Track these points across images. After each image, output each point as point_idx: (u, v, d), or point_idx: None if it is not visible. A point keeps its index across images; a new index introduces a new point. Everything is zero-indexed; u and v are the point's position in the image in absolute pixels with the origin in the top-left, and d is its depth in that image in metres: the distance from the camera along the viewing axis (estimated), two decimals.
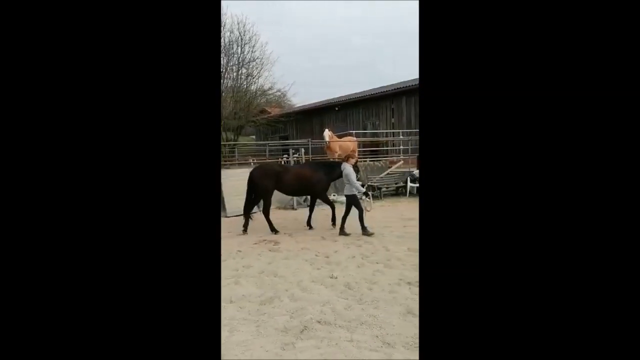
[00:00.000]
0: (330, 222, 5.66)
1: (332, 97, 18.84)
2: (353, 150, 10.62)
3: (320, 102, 19.37)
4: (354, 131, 12.31)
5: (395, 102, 15.01)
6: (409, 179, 9.45)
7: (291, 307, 2.72)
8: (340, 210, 5.48)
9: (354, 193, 5.24)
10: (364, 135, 14.31)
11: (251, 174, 5.66)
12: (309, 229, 5.66)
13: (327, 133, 9.87)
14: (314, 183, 5.64)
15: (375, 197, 8.66)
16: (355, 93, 18.34)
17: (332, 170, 5.71)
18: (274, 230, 5.46)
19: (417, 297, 2.82)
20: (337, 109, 17.00)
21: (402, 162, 10.35)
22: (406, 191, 9.40)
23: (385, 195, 9.18)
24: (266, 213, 5.55)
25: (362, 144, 12.12)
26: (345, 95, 18.35)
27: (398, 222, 5.98)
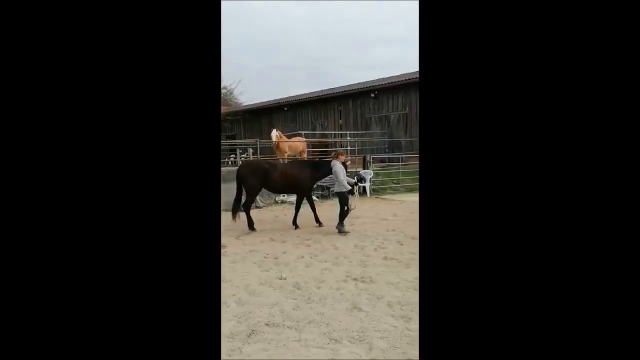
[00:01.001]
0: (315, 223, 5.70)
1: (281, 97, 18.73)
2: (302, 151, 10.70)
3: (269, 101, 19.14)
4: (303, 132, 12.39)
5: (343, 104, 15.43)
6: (355, 178, 9.78)
7: (238, 311, 2.66)
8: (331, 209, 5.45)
9: (342, 190, 5.27)
10: (313, 135, 14.46)
11: (238, 170, 5.66)
12: (295, 228, 5.60)
13: (274, 133, 9.78)
14: (300, 181, 5.61)
15: (324, 197, 8.81)
16: (305, 93, 18.45)
17: (320, 169, 5.72)
18: (252, 227, 5.41)
19: (362, 292, 2.94)
20: (285, 109, 16.96)
21: (349, 162, 10.68)
22: (354, 190, 9.71)
23: (334, 195, 9.39)
24: (247, 209, 5.51)
25: (311, 145, 12.25)
26: (295, 96, 18.37)
27: (346, 220, 6.16)
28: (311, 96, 16.85)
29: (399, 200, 8.37)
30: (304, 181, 5.65)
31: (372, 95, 14.41)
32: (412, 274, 3.37)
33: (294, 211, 5.79)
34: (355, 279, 3.26)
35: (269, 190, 6.02)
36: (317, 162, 6.15)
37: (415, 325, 2.34)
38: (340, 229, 5.17)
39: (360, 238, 4.89)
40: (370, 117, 14.69)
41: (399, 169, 11.19)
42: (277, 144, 9.78)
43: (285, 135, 10.71)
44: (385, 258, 3.91)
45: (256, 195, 5.70)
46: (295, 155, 10.22)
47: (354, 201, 5.58)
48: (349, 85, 17.36)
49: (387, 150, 13.45)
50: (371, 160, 10.54)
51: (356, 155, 11.53)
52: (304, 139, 10.97)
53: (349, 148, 12.44)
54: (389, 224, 5.77)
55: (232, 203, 5.55)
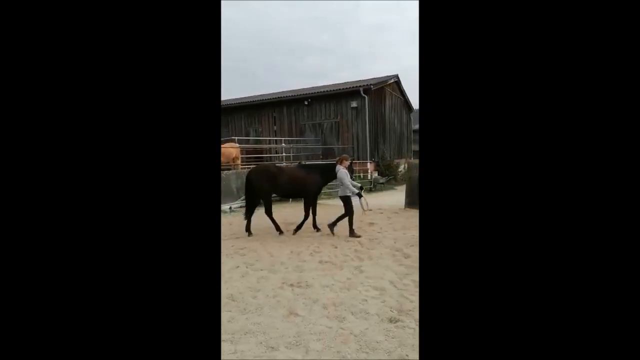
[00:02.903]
0: (298, 228, 5.67)
1: None
2: (236, 157, 10.39)
3: None
4: (236, 137, 12.05)
5: (277, 110, 15.44)
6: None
7: None
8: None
9: (348, 194, 5.24)
10: (247, 141, 14.15)
11: (248, 175, 5.64)
12: (317, 231, 5.65)
13: None
14: (307, 185, 5.59)
15: (259, 203, 8.66)
16: (238, 98, 17.98)
17: (327, 173, 5.66)
18: (279, 230, 5.49)
19: (298, 297, 3.00)
20: None
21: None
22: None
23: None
24: (269, 213, 5.55)
25: (245, 151, 11.96)
26: (226, 100, 17.78)
27: (282, 226, 6.16)
28: (244, 101, 16.51)
29: (334, 204, 8.66)
30: (311, 185, 5.64)
31: (306, 102, 14.73)
32: (345, 275, 3.54)
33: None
34: (291, 285, 3.30)
35: (277, 194, 5.89)
36: (325, 166, 6.00)
37: (348, 323, 2.47)
38: (352, 234, 5.19)
39: (296, 244, 4.94)
40: (305, 124, 14.98)
41: None
42: None
43: None
44: (320, 262, 4.03)
45: (270, 198, 5.63)
46: (228, 162, 9.87)
47: (366, 204, 5.46)
48: (282, 92, 17.44)
49: (321, 156, 13.83)
50: None
51: (291, 161, 11.62)
52: (237, 145, 10.67)
53: (284, 154, 12.47)
54: (324, 227, 5.94)
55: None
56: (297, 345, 2.22)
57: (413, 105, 19.15)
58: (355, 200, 5.37)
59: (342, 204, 5.40)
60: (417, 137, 22.11)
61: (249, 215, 5.62)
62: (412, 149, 19.72)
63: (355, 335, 2.30)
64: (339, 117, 14.42)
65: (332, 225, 5.38)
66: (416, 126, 23.08)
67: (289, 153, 12.61)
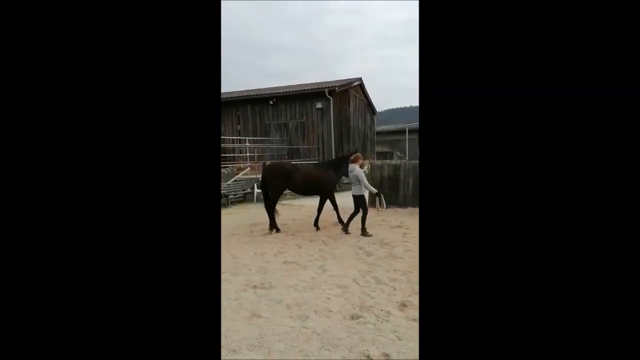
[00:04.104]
0: (338, 222, 5.80)
1: None
2: None
3: None
4: None
5: (241, 109, 15.13)
6: (255, 185, 9.71)
7: None
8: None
9: (362, 194, 5.13)
10: None
11: (264, 172, 5.70)
12: (317, 229, 5.69)
13: None
14: (324, 182, 5.66)
15: (222, 205, 8.45)
16: None
17: (340, 168, 5.71)
18: (274, 227, 5.56)
19: (261, 299, 2.97)
20: None
21: (249, 168, 10.53)
22: (254, 197, 9.61)
23: (233, 203, 9.10)
24: (270, 209, 5.60)
25: None
26: None
27: (246, 228, 6.06)
28: None
29: (298, 205, 8.67)
30: (327, 183, 5.69)
31: (271, 102, 14.58)
32: (309, 274, 3.57)
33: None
34: (254, 287, 3.26)
35: (293, 191, 5.95)
36: (337, 162, 5.93)
37: (311, 322, 2.50)
38: (364, 233, 5.15)
39: (259, 245, 4.89)
40: (270, 124, 14.82)
41: None
42: None
43: None
44: (284, 262, 4.02)
45: (279, 196, 5.71)
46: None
47: (383, 204, 5.29)
48: (247, 90, 17.12)
49: (286, 156, 13.77)
50: None
51: (255, 161, 11.45)
52: None
53: (248, 154, 12.25)
54: (289, 228, 5.93)
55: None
56: (259, 347, 2.20)
57: (376, 107, 19.70)
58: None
59: (318, 204, 5.43)
60: (380, 138, 22.78)
61: (270, 212, 5.62)
62: (375, 150, 20.28)
63: (317, 334, 2.33)
64: (304, 118, 14.45)
65: (345, 227, 5.33)
66: (379, 128, 23.79)
67: (253, 153, 12.40)
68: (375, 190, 5.27)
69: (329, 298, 2.94)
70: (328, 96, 13.90)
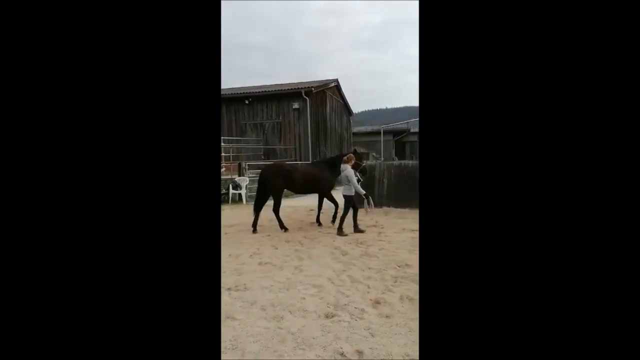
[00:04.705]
0: (331, 220, 5.94)
1: None
2: None
3: None
4: None
5: None
6: (230, 186, 9.55)
7: None
8: None
9: (352, 194, 5.22)
10: None
11: (262, 172, 5.80)
12: (319, 225, 5.89)
13: None
14: (322, 181, 5.79)
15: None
16: None
17: (335, 168, 5.80)
18: (283, 227, 5.64)
19: (236, 301, 2.93)
20: None
21: (224, 169, 10.33)
22: (228, 198, 9.45)
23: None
24: (276, 211, 5.70)
25: None
26: None
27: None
28: None
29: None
30: (325, 181, 5.83)
31: (247, 102, 14.39)
32: (285, 275, 3.57)
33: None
34: (229, 289, 3.21)
35: (291, 190, 6.01)
36: (332, 161, 6.03)
37: (286, 322, 2.50)
38: (357, 229, 5.28)
39: (235, 246, 4.82)
40: (246, 124, 14.62)
41: None
42: None
43: None
44: (260, 264, 3.99)
45: (280, 196, 5.79)
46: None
47: (371, 205, 5.29)
48: (223, 89, 16.79)
49: (262, 157, 13.63)
50: (247, 167, 10.50)
51: (231, 161, 11.25)
52: None
53: (223, 154, 12.02)
54: (265, 229, 5.88)
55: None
56: (233, 349, 2.17)
57: (352, 109, 19.94)
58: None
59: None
60: (356, 139, 23.06)
61: (257, 211, 5.68)
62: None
63: (292, 334, 2.34)
64: (281, 118, 14.38)
65: (340, 230, 5.31)
66: (355, 129, 24.08)
67: (229, 153, 12.19)
68: (363, 192, 5.30)
69: (304, 298, 2.95)
70: (305, 97, 13.91)
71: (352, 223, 5.40)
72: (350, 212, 5.32)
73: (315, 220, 6.14)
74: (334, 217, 5.94)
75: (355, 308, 2.71)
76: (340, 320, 2.51)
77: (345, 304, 2.79)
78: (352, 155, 5.60)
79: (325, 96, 15.94)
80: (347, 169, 5.31)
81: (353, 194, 5.26)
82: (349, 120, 20.05)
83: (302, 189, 6.00)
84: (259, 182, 5.82)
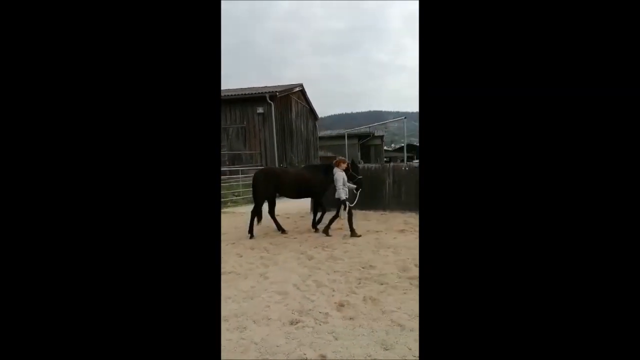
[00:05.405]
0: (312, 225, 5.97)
1: None
2: None
3: None
4: None
5: None
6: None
7: None
8: None
9: (343, 198, 5.28)
10: None
11: (255, 177, 5.75)
12: (315, 231, 5.82)
13: None
14: (314, 185, 5.77)
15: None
16: None
17: (329, 173, 5.66)
18: (281, 229, 5.73)
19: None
20: None
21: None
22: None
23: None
24: (272, 214, 5.77)
25: None
26: None
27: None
28: None
29: (240, 213, 8.44)
30: (316, 186, 5.79)
31: None
32: (249, 283, 3.50)
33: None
34: None
35: (284, 195, 5.92)
36: (327, 167, 5.88)
37: (249, 332, 2.45)
38: (327, 232, 5.39)
39: None
40: None
41: (239, 181, 11.29)
42: None
43: None
44: (223, 273, 3.88)
45: (274, 200, 5.82)
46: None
47: (344, 210, 5.25)
48: None
49: (227, 162, 13.31)
50: None
51: None
52: None
53: None
54: (229, 237, 5.74)
55: None
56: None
57: (319, 113, 20.12)
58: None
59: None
60: (322, 143, 23.26)
61: (253, 216, 5.62)
62: (319, 155, 20.66)
63: (255, 343, 2.29)
64: (245, 123, 14.15)
65: (327, 229, 5.43)
66: (322, 133, 24.30)
67: None
68: (343, 197, 5.33)
69: (269, 306, 2.91)
70: (269, 101, 13.82)
71: (328, 226, 5.49)
72: (346, 215, 5.37)
73: (312, 226, 6.04)
74: (315, 222, 5.96)
75: (320, 312, 2.72)
76: (304, 326, 2.51)
77: (310, 309, 2.79)
78: (341, 158, 5.69)
79: (290, 101, 15.95)
80: (337, 173, 5.39)
81: (344, 197, 5.32)
82: (315, 125, 20.20)
83: (294, 193, 5.92)
84: (253, 187, 5.84)
